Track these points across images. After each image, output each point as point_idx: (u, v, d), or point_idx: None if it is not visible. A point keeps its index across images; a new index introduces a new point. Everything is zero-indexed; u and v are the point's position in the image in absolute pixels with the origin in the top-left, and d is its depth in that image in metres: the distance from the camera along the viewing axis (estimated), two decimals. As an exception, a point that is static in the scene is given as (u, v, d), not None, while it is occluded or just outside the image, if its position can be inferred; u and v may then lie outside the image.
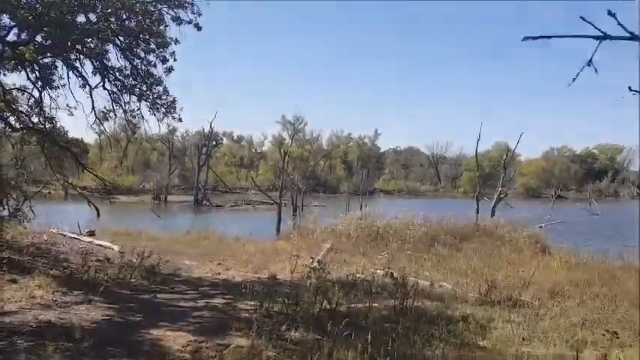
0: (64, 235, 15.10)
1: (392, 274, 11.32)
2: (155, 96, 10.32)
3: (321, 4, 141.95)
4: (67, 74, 10.31)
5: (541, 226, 24.28)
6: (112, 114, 11.14)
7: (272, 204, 52.59)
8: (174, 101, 10.56)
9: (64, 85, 10.66)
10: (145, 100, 10.35)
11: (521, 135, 29.78)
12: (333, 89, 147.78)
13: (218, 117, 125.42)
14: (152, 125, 10.55)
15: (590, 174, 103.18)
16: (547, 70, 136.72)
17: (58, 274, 9.51)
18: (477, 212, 26.92)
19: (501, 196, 28.52)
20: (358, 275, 11.05)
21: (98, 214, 36.72)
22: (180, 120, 10.96)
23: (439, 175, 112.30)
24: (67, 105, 11.20)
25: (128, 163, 76.28)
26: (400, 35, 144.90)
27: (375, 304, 8.12)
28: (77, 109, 11.29)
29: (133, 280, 9.85)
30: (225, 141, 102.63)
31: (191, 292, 9.38)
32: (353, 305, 7.96)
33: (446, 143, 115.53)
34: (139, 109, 10.64)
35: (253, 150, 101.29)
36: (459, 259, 14.22)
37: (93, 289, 8.39)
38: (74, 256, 11.57)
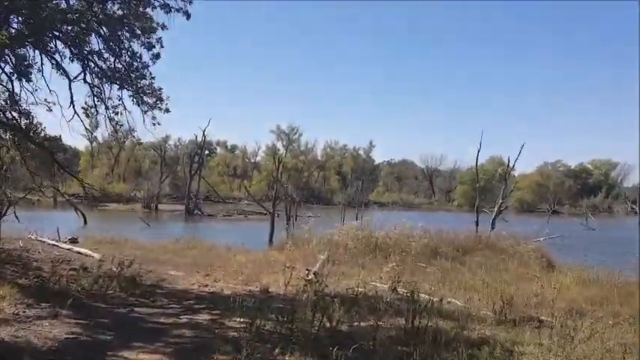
0: (43, 242, 14.09)
1: (395, 288, 10.48)
2: (140, 85, 9.43)
3: (314, 15, 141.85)
4: (41, 61, 9.40)
5: (539, 240, 23.49)
6: (93, 110, 10.23)
7: (265, 214, 51.93)
8: (160, 89, 9.67)
9: (42, 77, 9.76)
10: (128, 89, 9.44)
11: (522, 146, 29.05)
12: (327, 99, 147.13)
13: (212, 126, 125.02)
14: (136, 117, 9.56)
15: (584, 189, 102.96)
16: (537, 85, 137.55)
17: (26, 284, 8.56)
18: (477, 225, 26.15)
19: (501, 208, 27.72)
20: (359, 289, 10.13)
21: (85, 221, 35.81)
22: (167, 111, 10.07)
23: (433, 188, 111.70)
24: (46, 100, 10.28)
25: (119, 171, 75.27)
26: (395, 47, 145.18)
27: (381, 323, 7.20)
28: (56, 104, 10.36)
29: (110, 292, 8.88)
30: (218, 150, 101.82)
31: (173, 306, 8.41)
32: (356, 324, 7.03)
33: (440, 156, 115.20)
34: (120, 99, 9.69)
35: (247, 160, 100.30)
36: (464, 272, 13.35)
37: (63, 302, 7.41)
38: (49, 264, 10.58)
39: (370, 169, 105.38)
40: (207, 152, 79.07)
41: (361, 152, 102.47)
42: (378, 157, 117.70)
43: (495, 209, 27.61)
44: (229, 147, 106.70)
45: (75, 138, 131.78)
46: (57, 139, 10.30)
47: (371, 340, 6.25)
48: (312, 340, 5.95)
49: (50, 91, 9.79)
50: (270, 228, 27.72)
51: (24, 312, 6.82)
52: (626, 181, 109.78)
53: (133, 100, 9.73)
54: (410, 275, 12.55)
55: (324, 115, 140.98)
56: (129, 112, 9.88)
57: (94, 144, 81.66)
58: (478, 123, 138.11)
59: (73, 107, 9.80)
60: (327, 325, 6.49)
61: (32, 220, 29.40)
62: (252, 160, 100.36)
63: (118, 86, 9.58)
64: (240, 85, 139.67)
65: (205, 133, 55.81)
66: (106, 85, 9.56)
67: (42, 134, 10.26)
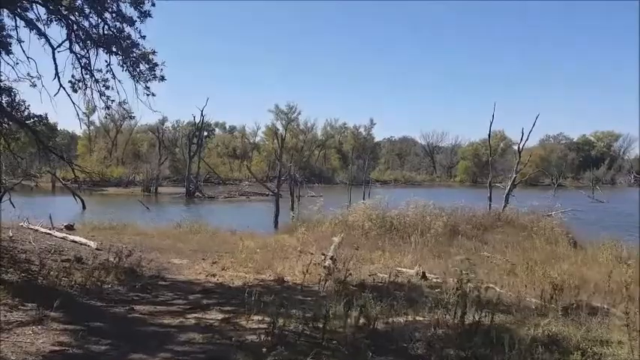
0: (35, 230, 13.04)
1: (424, 274, 9.48)
2: (128, 45, 8.27)
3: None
4: (16, 25, 8.23)
5: (550, 215, 22.50)
6: (81, 84, 9.09)
7: (267, 195, 51.01)
8: (153, 52, 8.53)
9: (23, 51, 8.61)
10: (118, 53, 8.28)
11: (537, 117, 27.86)
12: (326, 78, 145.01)
13: (210, 108, 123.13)
14: (128, 90, 8.42)
15: (586, 161, 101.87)
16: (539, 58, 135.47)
17: (10, 280, 7.52)
18: (490, 200, 25.20)
19: (515, 183, 26.66)
20: (382, 276, 9.16)
21: (84, 207, 34.79)
22: (162, 79, 8.93)
23: (435, 165, 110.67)
24: (29, 74, 9.13)
25: (117, 154, 74.05)
26: (395, 25, 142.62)
27: (420, 318, 6.21)
28: (40, 78, 9.21)
29: (107, 287, 7.89)
30: (217, 131, 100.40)
31: (179, 301, 7.40)
32: (391, 320, 6.03)
33: (441, 133, 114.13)
34: (109, 66, 8.49)
35: (246, 140, 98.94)
36: (491, 252, 12.36)
37: (51, 301, 6.40)
38: (40, 255, 9.57)
39: (371, 147, 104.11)
40: (205, 134, 77.69)
41: (362, 130, 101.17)
42: (379, 134, 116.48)
43: (509, 184, 26.55)
44: (228, 128, 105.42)
45: (61, 116, 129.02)
46: (41, 118, 9.16)
47: (415, 341, 5.26)
48: (347, 344, 4.96)
49: (29, 58, 8.62)
50: (275, 209, 26.66)
51: (4, 316, 5.81)
52: (628, 152, 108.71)
53: (122, 67, 8.59)
54: (433, 258, 11.60)
55: (323, 95, 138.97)
56: (119, 81, 8.73)
57: (92, 127, 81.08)
58: (477, 98, 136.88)
59: (59, 80, 8.67)
60: (363, 322, 5.49)
61: (30, 206, 28.44)
62: (252, 141, 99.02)
63: (105, 52, 8.42)
64: (237, 65, 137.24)
65: (204, 113, 54.57)
66: (93, 52, 8.40)
67: (26, 113, 9.15)
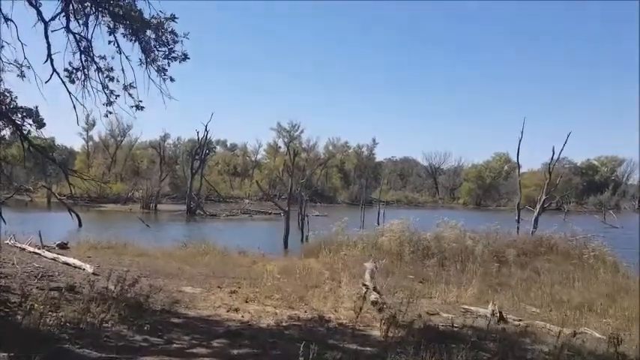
0: (22, 249, 11.32)
1: (503, 316, 7.68)
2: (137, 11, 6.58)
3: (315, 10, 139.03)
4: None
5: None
6: (79, 73, 7.46)
7: (271, 213, 49.33)
8: (172, 18, 6.77)
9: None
10: (123, 20, 6.52)
11: (568, 135, 26.27)
12: (326, 95, 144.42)
13: (210, 125, 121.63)
14: (138, 75, 6.74)
15: (590, 186, 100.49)
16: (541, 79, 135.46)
17: (-18, 318, 5.82)
18: (518, 222, 23.59)
19: (546, 205, 25.06)
20: (445, 316, 7.44)
21: (80, 224, 32.94)
22: (184, 58, 7.20)
23: (437, 186, 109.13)
24: (16, 62, 7.49)
25: (117, 170, 72.33)
26: (396, 42, 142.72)
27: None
28: (30, 67, 7.56)
29: (107, 325, 6.17)
30: (218, 149, 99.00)
31: (200, 350, 5.65)
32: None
33: (444, 154, 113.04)
34: (112, 34, 6.67)
35: (248, 158, 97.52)
36: (552, 285, 10.65)
37: (31, 348, 4.70)
38: (24, 281, 7.85)
39: (373, 166, 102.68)
40: (206, 151, 76.25)
41: (364, 150, 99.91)
42: (380, 154, 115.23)
43: (537, 207, 24.94)
44: (229, 145, 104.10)
45: (59, 130, 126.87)
46: (30, 112, 7.49)
47: None
48: None
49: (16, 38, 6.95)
50: (284, 228, 24.94)
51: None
52: (632, 177, 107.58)
53: (130, 39, 6.85)
54: (490, 289, 9.89)
55: (325, 114, 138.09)
56: (127, 57, 6.95)
57: (90, 143, 79.52)
58: (481, 120, 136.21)
59: (51, 63, 7.02)
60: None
61: (22, 221, 26.75)
62: (253, 159, 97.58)
63: (109, 21, 6.72)
64: (239, 84, 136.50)
65: (208, 127, 53.03)
66: (92, 22, 6.69)
67: (12, 105, 7.48)
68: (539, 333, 6.69)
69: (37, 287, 7.28)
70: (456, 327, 6.40)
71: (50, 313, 6.09)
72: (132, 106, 7.27)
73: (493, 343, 5.91)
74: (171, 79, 7.31)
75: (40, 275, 8.37)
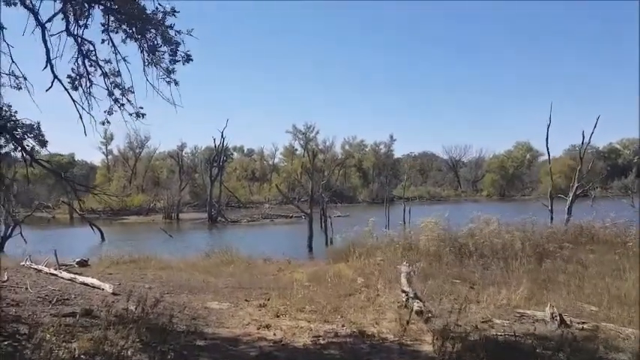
0: (39, 271, 10.82)
1: (561, 317, 6.88)
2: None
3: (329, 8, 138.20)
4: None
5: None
6: (82, 80, 6.89)
7: (291, 217, 48.79)
8: (172, 12, 6.13)
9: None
10: (118, 13, 5.91)
11: (598, 118, 25.14)
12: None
13: (227, 132, 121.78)
14: (141, 82, 6.25)
15: (614, 170, 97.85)
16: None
17: (-12, 353, 5.24)
18: (551, 212, 22.60)
19: (578, 192, 24.00)
20: (499, 322, 6.67)
21: (102, 238, 32.77)
22: (187, 59, 6.55)
23: (459, 179, 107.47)
24: (12, 73, 6.92)
25: (137, 182, 72.58)
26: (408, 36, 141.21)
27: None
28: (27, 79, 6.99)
29: (126, 354, 5.55)
30: (235, 155, 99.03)
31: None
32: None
33: (464, 146, 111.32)
34: (105, 30, 6.04)
35: (265, 162, 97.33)
36: (602, 278, 9.78)
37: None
38: (37, 307, 7.30)
39: (391, 163, 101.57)
40: (224, 158, 76.15)
41: (382, 147, 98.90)
42: (398, 150, 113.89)
43: (570, 194, 23.92)
44: (246, 151, 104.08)
45: (70, 122, 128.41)
46: (32, 128, 6.92)
47: None
48: None
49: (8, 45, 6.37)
50: (308, 232, 24.29)
51: None
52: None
53: (135, 40, 6.25)
54: (540, 288, 9.07)
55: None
56: (124, 60, 6.37)
57: (110, 157, 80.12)
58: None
59: (52, 69, 6.44)
60: None
61: (44, 239, 26.59)
62: (271, 163, 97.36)
63: (113, 21, 6.13)
64: (252, 87, 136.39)
65: (224, 134, 52.80)
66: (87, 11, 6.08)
67: (12, 120, 6.93)
68: (609, 337, 5.90)
69: (50, 314, 6.72)
70: (517, 336, 5.63)
71: (64, 344, 5.51)
72: (131, 114, 6.69)
73: (563, 353, 5.15)
74: (176, 83, 6.70)
75: (54, 299, 7.81)
